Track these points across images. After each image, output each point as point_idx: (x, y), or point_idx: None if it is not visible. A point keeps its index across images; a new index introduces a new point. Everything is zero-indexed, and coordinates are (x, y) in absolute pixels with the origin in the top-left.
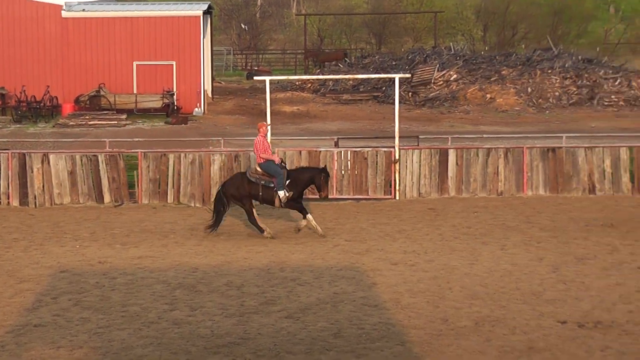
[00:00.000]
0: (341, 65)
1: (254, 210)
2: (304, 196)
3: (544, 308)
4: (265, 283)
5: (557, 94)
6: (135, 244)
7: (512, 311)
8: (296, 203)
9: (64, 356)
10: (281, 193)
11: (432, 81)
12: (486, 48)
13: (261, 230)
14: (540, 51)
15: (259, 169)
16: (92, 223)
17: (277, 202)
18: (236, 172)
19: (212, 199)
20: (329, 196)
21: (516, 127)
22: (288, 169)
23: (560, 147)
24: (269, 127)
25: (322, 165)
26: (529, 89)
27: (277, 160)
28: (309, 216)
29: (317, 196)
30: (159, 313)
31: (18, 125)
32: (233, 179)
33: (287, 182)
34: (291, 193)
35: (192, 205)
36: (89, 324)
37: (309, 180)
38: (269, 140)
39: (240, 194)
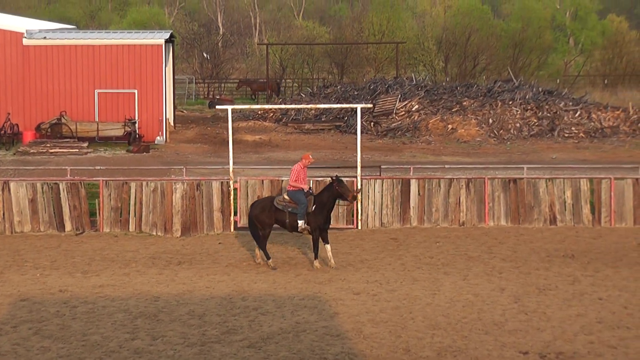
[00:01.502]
0: (303, 95)
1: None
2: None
3: (506, 338)
4: (227, 312)
5: (518, 125)
6: (96, 273)
7: (474, 341)
8: (322, 230)
9: None
10: (300, 222)
11: (394, 111)
12: (447, 79)
13: (267, 257)
14: (501, 82)
15: (286, 196)
16: (53, 251)
17: (300, 229)
18: (267, 196)
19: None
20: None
21: (478, 158)
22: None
23: (522, 178)
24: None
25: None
26: (490, 120)
27: (305, 189)
28: (327, 246)
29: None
30: (120, 342)
31: None
32: (261, 202)
33: (314, 207)
34: (307, 226)
35: (154, 233)
36: (49, 353)
37: (330, 198)
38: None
39: (264, 217)
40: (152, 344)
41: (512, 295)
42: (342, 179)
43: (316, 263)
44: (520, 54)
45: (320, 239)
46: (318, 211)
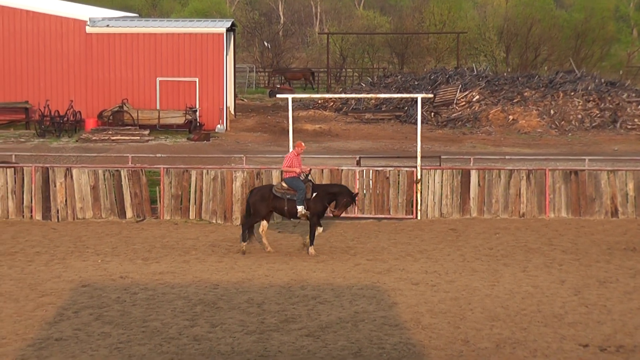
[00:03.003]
0: (363, 85)
1: (262, 227)
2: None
3: (565, 331)
4: (285, 301)
5: (579, 116)
6: (156, 260)
7: (533, 333)
8: (320, 217)
9: None
10: (300, 208)
11: (455, 102)
12: (509, 69)
13: (243, 239)
14: (563, 73)
15: (284, 184)
16: (114, 238)
17: (299, 214)
18: (267, 184)
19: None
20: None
21: (538, 149)
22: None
23: (583, 170)
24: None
25: (348, 186)
26: (552, 111)
27: (298, 171)
28: (319, 228)
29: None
30: (179, 329)
31: (41, 140)
32: (260, 190)
33: (314, 195)
34: (307, 212)
35: (214, 221)
36: (109, 339)
37: (334, 197)
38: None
39: (261, 206)
40: (211, 331)
41: (572, 288)
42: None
43: (311, 249)
44: (583, 45)
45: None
46: (318, 200)
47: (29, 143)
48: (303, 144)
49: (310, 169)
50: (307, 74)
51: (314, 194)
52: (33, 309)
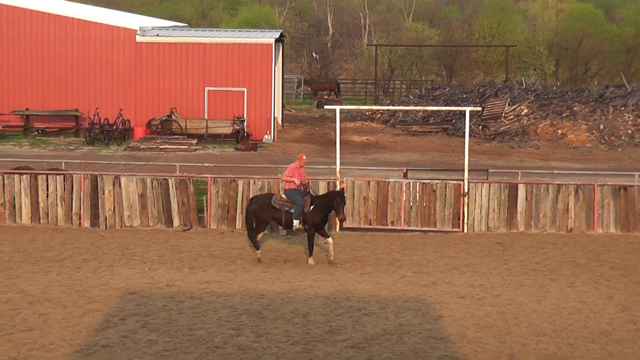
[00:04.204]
0: (411, 97)
1: (260, 234)
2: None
3: (612, 348)
4: (331, 312)
5: (629, 131)
6: (202, 269)
7: (580, 350)
8: (319, 228)
9: None
10: (295, 222)
11: (503, 115)
12: (558, 83)
13: (256, 247)
14: (613, 88)
15: (283, 195)
16: (161, 246)
17: (294, 229)
18: (265, 193)
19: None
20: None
21: (587, 164)
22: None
23: (632, 186)
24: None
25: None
26: (601, 126)
27: (297, 184)
28: (329, 239)
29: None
30: (224, 338)
31: (90, 147)
32: (260, 199)
33: (311, 207)
34: (302, 226)
35: None
36: (155, 346)
37: (327, 205)
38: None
39: (262, 214)
40: (256, 341)
41: (620, 304)
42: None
43: (310, 260)
44: (634, 59)
45: (320, 236)
46: (315, 212)
47: (79, 151)
48: (304, 156)
49: (309, 182)
50: (332, 85)
51: (312, 207)
52: (81, 315)
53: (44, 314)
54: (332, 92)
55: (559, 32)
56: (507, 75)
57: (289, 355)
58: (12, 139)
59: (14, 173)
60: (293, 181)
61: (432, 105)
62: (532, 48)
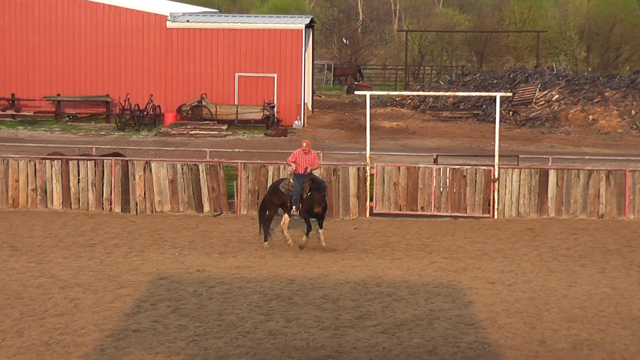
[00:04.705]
0: (441, 83)
1: (284, 219)
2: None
3: None
4: (361, 297)
5: None
6: (233, 254)
7: (611, 335)
8: (318, 217)
9: None
10: (293, 208)
11: (534, 101)
12: (589, 69)
13: (265, 239)
14: None
15: (291, 180)
16: (191, 232)
17: (292, 213)
18: (280, 179)
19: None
20: (421, 213)
21: (618, 150)
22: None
23: None
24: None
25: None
26: (633, 112)
27: (292, 168)
28: (321, 231)
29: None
30: (255, 323)
31: (121, 133)
32: (274, 184)
33: (309, 194)
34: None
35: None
36: (186, 331)
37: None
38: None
39: (274, 199)
40: (286, 326)
41: None
42: (323, 186)
43: (304, 238)
44: None
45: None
46: (309, 198)
47: (109, 136)
48: (304, 143)
49: (307, 167)
50: (354, 70)
51: (309, 193)
52: (111, 300)
53: (75, 298)
54: (354, 78)
55: (590, 17)
56: (538, 60)
57: (319, 341)
58: (44, 125)
59: (46, 158)
60: (292, 167)
61: (463, 91)
62: (563, 33)
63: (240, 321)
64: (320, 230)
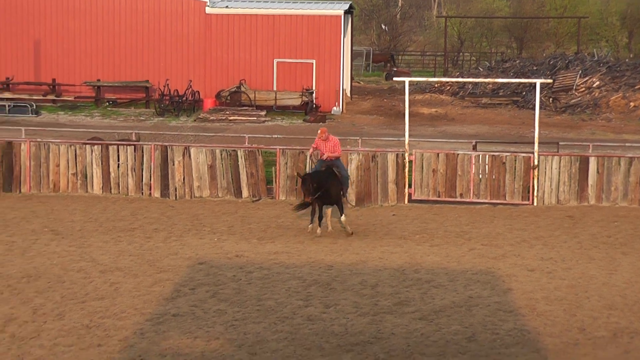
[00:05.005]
0: (481, 69)
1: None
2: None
3: None
4: (399, 284)
5: None
6: (271, 239)
7: None
8: (326, 204)
9: (200, 346)
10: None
11: (574, 87)
12: (631, 55)
13: (311, 221)
14: None
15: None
16: (230, 217)
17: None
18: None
19: None
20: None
21: None
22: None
23: None
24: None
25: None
26: None
27: (309, 153)
28: (328, 212)
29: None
30: (293, 308)
31: (161, 118)
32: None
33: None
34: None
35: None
36: (225, 316)
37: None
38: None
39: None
40: (324, 312)
41: None
42: (309, 176)
43: (310, 226)
44: None
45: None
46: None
47: (149, 122)
48: (320, 130)
49: (324, 154)
50: (387, 57)
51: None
52: (151, 285)
53: (115, 282)
54: (387, 64)
55: (632, 3)
56: (578, 47)
57: (357, 327)
58: (84, 110)
59: (86, 143)
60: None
61: (502, 78)
62: (605, 19)
63: (278, 306)
64: (341, 218)
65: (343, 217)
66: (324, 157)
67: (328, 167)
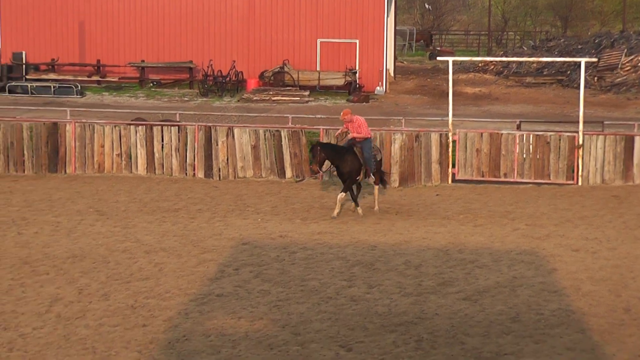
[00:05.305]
0: (525, 48)
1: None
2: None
3: None
4: (443, 264)
5: None
6: (315, 220)
7: None
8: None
9: (244, 326)
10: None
11: (619, 66)
12: None
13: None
14: None
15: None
16: (274, 197)
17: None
18: None
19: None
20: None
21: None
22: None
23: None
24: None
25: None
26: None
27: (336, 133)
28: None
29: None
30: (337, 289)
31: (204, 99)
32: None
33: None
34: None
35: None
36: (268, 296)
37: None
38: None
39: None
40: (368, 292)
41: None
42: (328, 145)
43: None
44: None
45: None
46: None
47: (192, 102)
48: (342, 112)
49: (346, 133)
50: (426, 36)
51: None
52: (195, 265)
53: (160, 263)
54: (426, 43)
55: None
56: (624, 25)
57: (401, 307)
58: (128, 91)
59: (130, 124)
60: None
61: (546, 57)
62: None
63: (322, 287)
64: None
65: (342, 195)
66: (349, 137)
67: (350, 145)
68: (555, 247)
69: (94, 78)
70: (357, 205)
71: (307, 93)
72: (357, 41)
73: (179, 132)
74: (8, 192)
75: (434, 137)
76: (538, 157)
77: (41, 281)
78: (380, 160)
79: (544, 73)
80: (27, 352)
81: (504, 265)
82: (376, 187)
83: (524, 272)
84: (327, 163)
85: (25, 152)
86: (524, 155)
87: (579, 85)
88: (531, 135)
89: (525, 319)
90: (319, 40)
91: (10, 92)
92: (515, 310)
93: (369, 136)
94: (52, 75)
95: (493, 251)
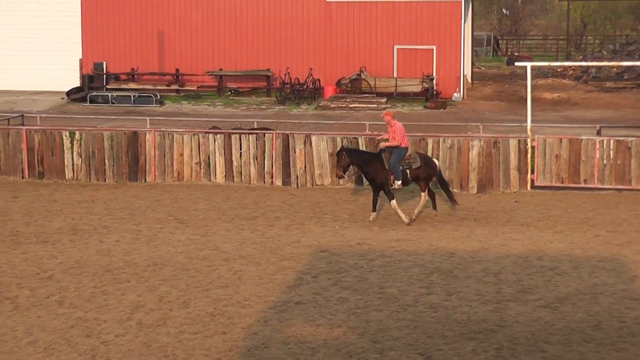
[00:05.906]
0: (605, 53)
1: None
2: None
3: None
4: (522, 271)
5: None
6: (392, 227)
7: None
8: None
9: (323, 334)
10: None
11: None
12: None
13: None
14: None
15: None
16: (351, 205)
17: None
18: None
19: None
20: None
21: None
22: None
23: None
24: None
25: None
26: None
27: (390, 144)
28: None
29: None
30: (415, 296)
31: (282, 107)
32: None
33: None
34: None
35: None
36: (347, 304)
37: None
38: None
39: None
40: (447, 300)
41: None
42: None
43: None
44: None
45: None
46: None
47: (270, 110)
48: (384, 113)
49: (380, 140)
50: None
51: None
52: (274, 273)
53: (239, 270)
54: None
55: None
56: None
57: (480, 314)
58: (207, 99)
59: (209, 132)
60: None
61: (627, 61)
62: None
63: (400, 294)
64: (391, 202)
65: (393, 202)
66: (381, 145)
67: (381, 151)
68: (636, 254)
69: (173, 87)
70: (434, 207)
71: (384, 100)
72: (434, 47)
73: (257, 140)
74: (90, 200)
75: (513, 143)
76: (619, 162)
77: (122, 289)
78: (439, 170)
79: (625, 77)
80: (109, 359)
81: (585, 273)
82: (423, 194)
83: (605, 280)
84: (351, 169)
85: (106, 161)
86: (604, 161)
87: None
88: (612, 141)
89: (606, 327)
90: (395, 47)
91: (91, 101)
92: (596, 318)
93: (402, 145)
94: (132, 85)
95: (573, 258)
